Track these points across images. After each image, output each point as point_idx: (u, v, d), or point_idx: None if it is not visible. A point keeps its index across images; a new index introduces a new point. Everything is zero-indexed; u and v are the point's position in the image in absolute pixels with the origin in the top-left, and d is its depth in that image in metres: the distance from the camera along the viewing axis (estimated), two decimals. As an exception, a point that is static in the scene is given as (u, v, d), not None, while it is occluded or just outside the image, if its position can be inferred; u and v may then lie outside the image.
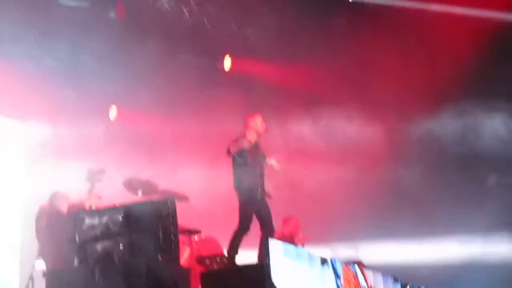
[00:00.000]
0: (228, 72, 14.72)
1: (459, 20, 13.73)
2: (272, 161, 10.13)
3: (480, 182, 14.18)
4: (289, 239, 11.13)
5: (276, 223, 10.57)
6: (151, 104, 14.16)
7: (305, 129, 14.60)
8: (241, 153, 10.02)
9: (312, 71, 14.24)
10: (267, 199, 10.08)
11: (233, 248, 9.84)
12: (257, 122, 10.22)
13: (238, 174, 10.06)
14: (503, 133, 13.80)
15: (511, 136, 13.87)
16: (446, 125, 14.30)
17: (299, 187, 13.93)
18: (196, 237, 10.59)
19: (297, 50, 14.33)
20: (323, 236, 12.73)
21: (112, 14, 13.83)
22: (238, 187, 10.01)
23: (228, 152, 10.07)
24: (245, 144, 10.04)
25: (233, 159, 10.05)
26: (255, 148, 10.09)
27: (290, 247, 9.71)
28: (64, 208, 10.19)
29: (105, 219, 8.97)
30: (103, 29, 13.56)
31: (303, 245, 11.55)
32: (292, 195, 12.98)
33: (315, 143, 14.41)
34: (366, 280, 10.91)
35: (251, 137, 10.05)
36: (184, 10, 14.01)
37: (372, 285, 11.03)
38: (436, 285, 13.07)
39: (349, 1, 14.34)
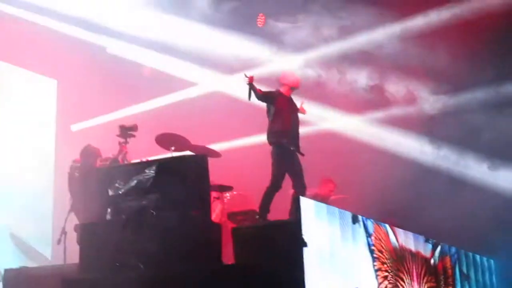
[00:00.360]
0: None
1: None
2: (300, 109, 10.09)
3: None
4: (323, 198, 11.09)
5: (310, 181, 10.48)
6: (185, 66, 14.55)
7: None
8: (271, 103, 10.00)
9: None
10: (300, 157, 10.03)
11: (265, 204, 9.80)
12: (289, 77, 10.16)
13: (272, 129, 9.96)
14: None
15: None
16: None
17: (330, 148, 13.97)
18: (228, 194, 10.76)
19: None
20: (356, 196, 12.57)
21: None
22: (272, 143, 9.93)
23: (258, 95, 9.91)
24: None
25: (267, 112, 9.99)
26: (290, 102, 10.01)
27: (322, 205, 9.72)
28: (96, 162, 10.24)
29: (137, 173, 9.09)
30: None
31: (335, 203, 11.35)
32: (324, 154, 12.99)
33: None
34: (397, 239, 10.97)
35: (285, 91, 9.99)
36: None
37: (404, 244, 11.10)
38: (466, 245, 13.13)
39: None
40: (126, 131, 10.20)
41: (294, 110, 10.09)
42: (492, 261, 13.50)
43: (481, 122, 14.01)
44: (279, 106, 9.96)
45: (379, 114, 15.09)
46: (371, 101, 14.82)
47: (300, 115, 10.34)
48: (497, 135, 14.16)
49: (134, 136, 10.23)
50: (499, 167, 14.35)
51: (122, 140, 10.16)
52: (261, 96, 9.73)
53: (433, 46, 14.23)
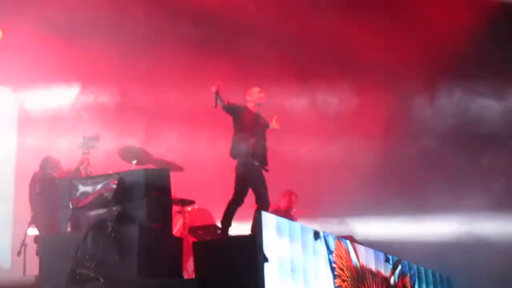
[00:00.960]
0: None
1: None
2: (273, 124, 10.08)
3: (473, 161, 14.13)
4: (284, 213, 11.13)
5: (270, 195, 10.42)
6: (147, 75, 14.16)
7: (297, 103, 14.59)
8: (238, 122, 10.02)
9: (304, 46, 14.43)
10: (264, 173, 10.06)
11: (226, 219, 9.80)
12: (255, 93, 10.15)
13: (236, 144, 9.97)
14: (497, 114, 14.02)
15: (504, 117, 14.08)
16: (440, 104, 14.71)
17: (292, 162, 13.83)
18: (189, 208, 10.64)
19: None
20: (316, 210, 12.74)
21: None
22: (235, 157, 9.92)
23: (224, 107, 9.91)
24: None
25: (235, 125, 9.99)
26: (256, 117, 10.05)
27: (284, 220, 9.70)
28: (56, 174, 10.24)
29: (98, 186, 8.90)
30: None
31: (296, 219, 11.47)
32: (285, 169, 12.86)
33: (308, 118, 14.55)
34: (357, 257, 11.00)
35: (251, 107, 10.02)
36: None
37: (364, 263, 11.11)
38: (427, 262, 13.05)
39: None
40: (88, 142, 10.07)
41: (260, 125, 10.09)
42: (452, 279, 13.58)
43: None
44: (244, 121, 9.96)
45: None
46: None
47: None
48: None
49: (96, 147, 10.11)
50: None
51: (84, 151, 10.01)
52: (227, 106, 9.72)
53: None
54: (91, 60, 14.00)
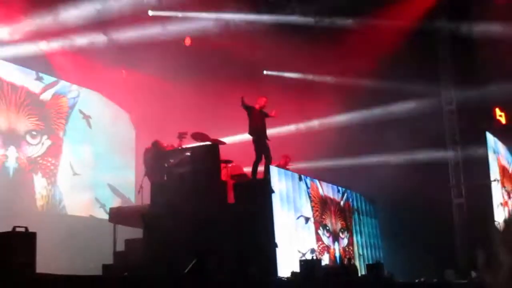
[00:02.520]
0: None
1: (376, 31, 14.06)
2: (272, 113, 11.05)
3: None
4: (282, 166, 11.94)
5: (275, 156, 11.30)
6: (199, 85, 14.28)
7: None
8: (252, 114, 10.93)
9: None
10: (267, 141, 10.96)
11: (254, 170, 10.80)
12: (261, 100, 11.13)
13: (251, 128, 10.96)
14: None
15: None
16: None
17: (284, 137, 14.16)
18: (229, 164, 11.23)
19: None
20: (298, 160, 13.02)
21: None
22: (252, 134, 10.94)
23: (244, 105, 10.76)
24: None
25: (249, 117, 10.91)
26: (261, 113, 11.03)
27: (282, 170, 11.38)
28: (159, 148, 11.13)
29: (181, 154, 10.61)
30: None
31: (289, 169, 12.15)
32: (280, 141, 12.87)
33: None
34: (322, 190, 12.38)
35: (258, 107, 10.98)
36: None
37: (326, 193, 12.46)
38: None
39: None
40: (181, 135, 10.94)
41: (263, 117, 11.05)
42: (373, 199, 14.18)
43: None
44: (253, 114, 10.89)
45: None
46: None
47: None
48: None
49: (185, 137, 10.95)
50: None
51: (178, 138, 10.94)
52: (244, 105, 10.68)
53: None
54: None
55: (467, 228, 14.84)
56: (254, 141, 11.06)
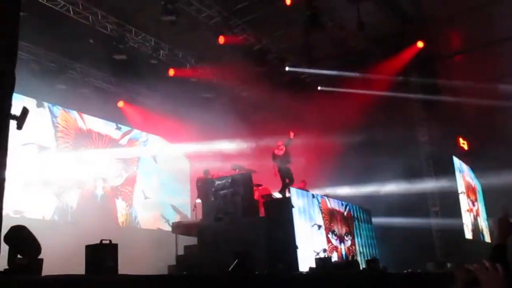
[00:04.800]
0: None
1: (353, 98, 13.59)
2: (291, 136, 10.86)
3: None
4: (302, 188, 11.70)
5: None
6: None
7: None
8: (280, 151, 10.98)
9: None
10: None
11: (282, 192, 10.95)
12: (291, 135, 11.14)
13: (279, 161, 10.99)
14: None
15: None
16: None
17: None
18: (260, 187, 11.29)
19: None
20: (313, 186, 12.82)
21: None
22: (279, 167, 10.96)
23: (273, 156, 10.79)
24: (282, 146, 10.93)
25: (274, 155, 10.95)
26: (285, 152, 10.97)
27: (299, 190, 11.08)
28: (208, 176, 11.22)
29: (224, 180, 10.61)
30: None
31: (305, 189, 11.81)
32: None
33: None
34: (330, 204, 12.11)
35: (287, 142, 11.00)
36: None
37: (333, 206, 12.18)
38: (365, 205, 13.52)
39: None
40: (236, 166, 10.90)
41: (286, 147, 10.95)
42: (367, 210, 13.68)
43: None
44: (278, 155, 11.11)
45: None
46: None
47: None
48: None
49: (237, 170, 10.78)
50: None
51: (233, 168, 10.93)
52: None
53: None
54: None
55: (442, 229, 14.50)
56: (280, 169, 11.03)
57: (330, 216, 12.04)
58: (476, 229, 16.34)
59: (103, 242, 4.89)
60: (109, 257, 4.80)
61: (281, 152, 11.10)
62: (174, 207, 14.69)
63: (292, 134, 11.10)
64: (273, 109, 14.23)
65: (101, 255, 4.77)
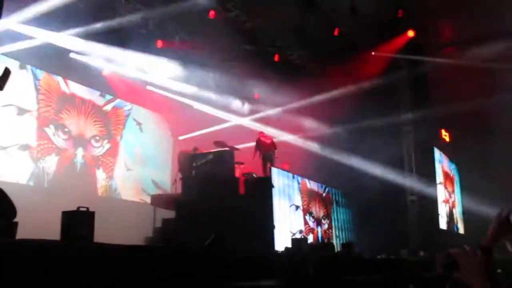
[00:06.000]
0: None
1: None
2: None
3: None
4: (283, 168, 12.06)
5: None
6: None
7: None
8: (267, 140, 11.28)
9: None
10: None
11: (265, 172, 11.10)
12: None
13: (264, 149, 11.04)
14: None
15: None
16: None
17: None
18: (241, 165, 11.07)
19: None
20: (294, 167, 12.82)
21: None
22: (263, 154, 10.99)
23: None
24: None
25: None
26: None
27: (280, 170, 11.50)
28: (190, 151, 10.97)
29: (206, 156, 10.43)
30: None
31: (288, 170, 12.25)
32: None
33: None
34: (309, 185, 12.53)
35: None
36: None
37: (312, 187, 12.56)
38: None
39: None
40: (217, 143, 10.74)
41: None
42: (347, 195, 14.10)
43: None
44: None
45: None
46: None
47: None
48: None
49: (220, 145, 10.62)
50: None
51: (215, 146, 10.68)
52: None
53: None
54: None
55: (418, 218, 14.63)
56: (263, 156, 11.42)
57: (309, 197, 12.33)
58: (450, 220, 16.61)
59: (80, 209, 4.83)
60: (85, 225, 4.79)
61: (268, 141, 11.25)
62: (154, 182, 14.29)
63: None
64: (261, 88, 14.21)
65: (78, 222, 4.75)
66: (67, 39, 11.57)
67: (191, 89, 13.89)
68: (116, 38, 11.95)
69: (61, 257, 3.89)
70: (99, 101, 13.43)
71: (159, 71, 13.24)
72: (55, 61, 11.80)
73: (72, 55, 12.30)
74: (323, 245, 10.80)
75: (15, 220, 4.27)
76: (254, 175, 10.84)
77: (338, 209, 13.48)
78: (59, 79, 12.48)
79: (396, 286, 6.61)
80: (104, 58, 12.53)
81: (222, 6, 11.82)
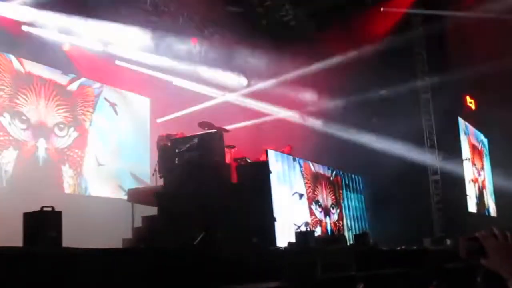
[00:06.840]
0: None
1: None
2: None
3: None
4: (287, 153, 11.98)
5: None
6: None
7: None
8: None
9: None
10: None
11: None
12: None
13: None
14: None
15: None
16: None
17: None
18: (233, 149, 11.21)
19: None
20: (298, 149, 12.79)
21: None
22: None
23: None
24: None
25: None
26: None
27: (278, 152, 11.30)
28: (171, 135, 10.72)
29: (190, 140, 10.16)
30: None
31: (289, 153, 12.11)
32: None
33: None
34: (314, 167, 12.55)
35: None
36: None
37: (317, 170, 12.63)
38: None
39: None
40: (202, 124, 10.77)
41: None
42: (359, 177, 14.24)
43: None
44: None
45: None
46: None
47: None
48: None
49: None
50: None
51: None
52: None
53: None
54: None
55: (443, 202, 14.79)
56: None
57: (314, 181, 12.31)
58: (480, 202, 16.77)
59: (44, 209, 4.85)
60: (52, 227, 4.81)
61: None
62: (134, 176, 14.03)
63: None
64: (250, 58, 14.28)
65: (42, 224, 4.75)
66: (17, 9, 11.51)
67: (167, 62, 13.99)
68: (74, 5, 11.91)
69: (24, 264, 3.91)
70: (62, 80, 13.12)
71: (128, 42, 13.27)
72: (4, 36, 11.63)
73: (24, 27, 12.15)
74: (333, 238, 10.91)
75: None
76: (248, 159, 10.91)
77: (349, 195, 13.55)
78: (11, 57, 12.26)
79: (419, 281, 6.61)
80: (62, 30, 12.44)
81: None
